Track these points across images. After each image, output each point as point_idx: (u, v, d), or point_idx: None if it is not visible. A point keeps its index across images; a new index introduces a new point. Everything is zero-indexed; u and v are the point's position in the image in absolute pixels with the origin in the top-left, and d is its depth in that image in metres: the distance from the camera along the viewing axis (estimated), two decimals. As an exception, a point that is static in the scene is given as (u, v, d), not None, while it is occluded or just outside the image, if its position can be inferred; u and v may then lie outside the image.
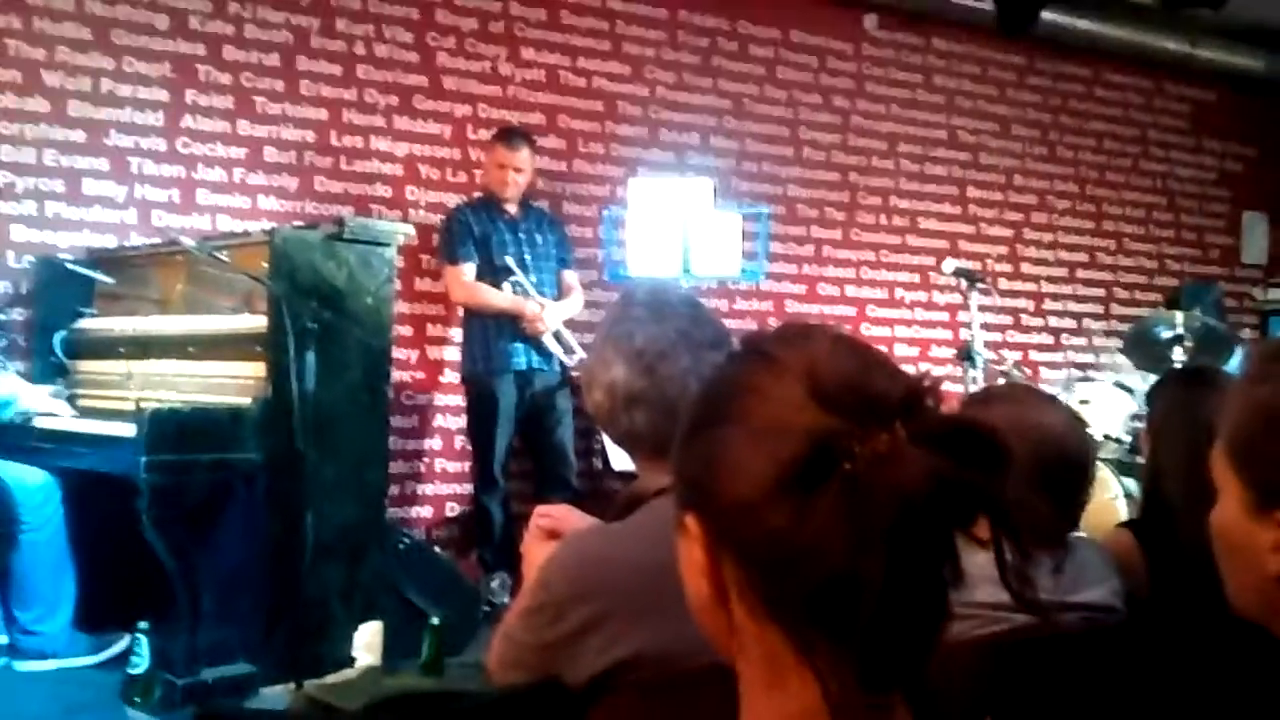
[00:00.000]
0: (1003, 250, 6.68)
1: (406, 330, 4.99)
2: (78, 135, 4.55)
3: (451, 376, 5.14)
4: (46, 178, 4.49)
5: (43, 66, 4.50)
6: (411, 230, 4.10)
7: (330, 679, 2.01)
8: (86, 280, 4.13)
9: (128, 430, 3.24)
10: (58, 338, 4.13)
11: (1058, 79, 6.90)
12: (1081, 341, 6.83)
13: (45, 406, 3.57)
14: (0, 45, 4.44)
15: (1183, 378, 2.18)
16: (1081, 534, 1.81)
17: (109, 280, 4.08)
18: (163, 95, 4.70)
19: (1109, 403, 4.88)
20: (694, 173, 5.35)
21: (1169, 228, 7.23)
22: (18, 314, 4.33)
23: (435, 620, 3.03)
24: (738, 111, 5.95)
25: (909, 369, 0.80)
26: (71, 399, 3.91)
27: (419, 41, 5.22)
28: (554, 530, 1.69)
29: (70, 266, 4.12)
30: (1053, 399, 1.91)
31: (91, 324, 4.17)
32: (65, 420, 3.54)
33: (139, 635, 2.99)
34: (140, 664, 2.96)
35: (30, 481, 3.40)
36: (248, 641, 3.18)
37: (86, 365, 4.13)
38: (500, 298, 4.70)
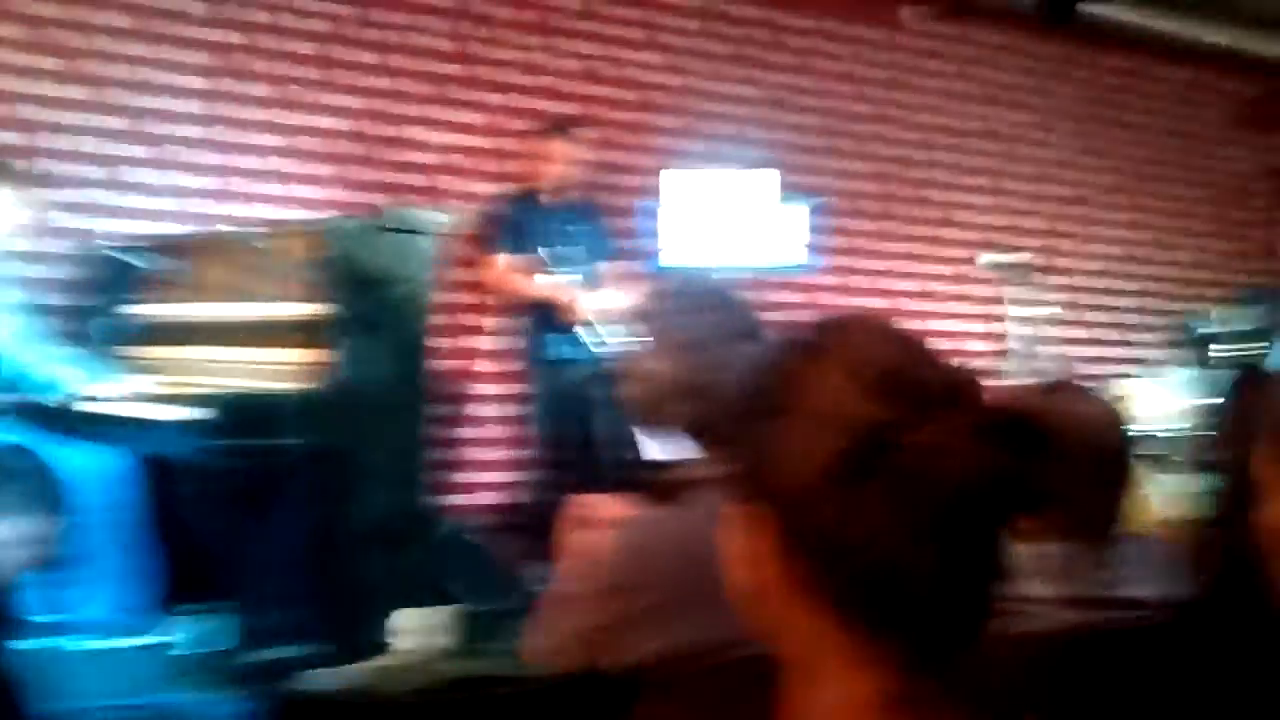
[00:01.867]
0: (1043, 244, 6.63)
1: (444, 319, 5.01)
2: (116, 122, 4.60)
3: (488, 366, 5.16)
4: (85, 164, 4.54)
5: (82, 55, 4.55)
6: (449, 219, 4.13)
7: (380, 662, 2.04)
8: (132, 268, 4.17)
9: (183, 415, 3.29)
10: (100, 324, 4.17)
11: (1098, 71, 6.83)
12: (1119, 336, 6.77)
13: (101, 391, 3.61)
14: (40, 33, 4.49)
15: (1251, 377, 2.16)
16: (1130, 530, 1.80)
17: (156, 267, 4.12)
18: (200, 83, 4.74)
19: (1148, 399, 4.84)
20: (736, 165, 5.34)
21: (1210, 221, 7.15)
22: (65, 301, 4.38)
23: (477, 607, 3.06)
24: (776, 103, 5.93)
25: (964, 362, 0.81)
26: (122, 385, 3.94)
27: (455, 31, 5.23)
28: (593, 519, 1.71)
29: (120, 254, 4.16)
30: (1092, 393, 1.90)
31: (135, 310, 4.22)
32: (123, 405, 3.59)
33: (197, 616, 3.03)
34: (197, 644, 3.00)
35: (94, 463, 3.45)
36: (301, 625, 3.22)
37: (135, 352, 4.18)
38: (538, 288, 4.72)
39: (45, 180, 4.37)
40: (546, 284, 4.70)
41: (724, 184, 4.96)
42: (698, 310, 1.60)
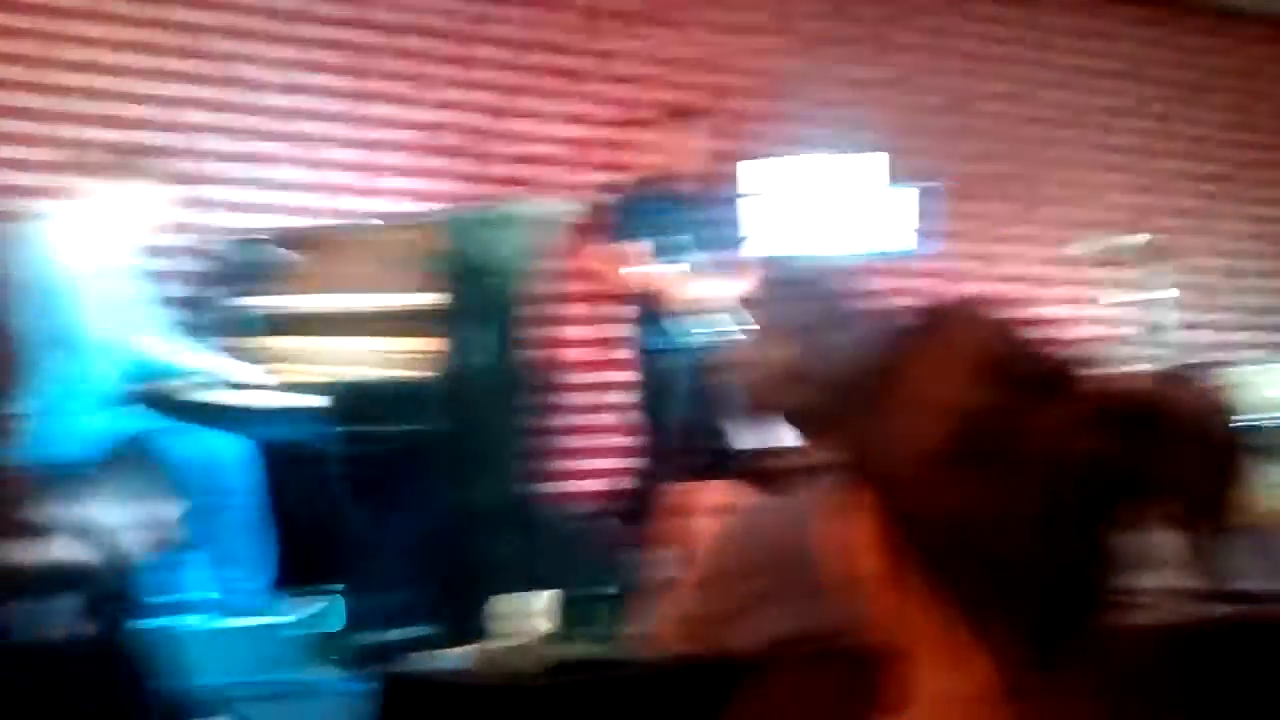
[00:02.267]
0: (1175, 224, 6.37)
1: (576, 309, 5.07)
2: (270, 123, 4.77)
3: (605, 355, 5.20)
4: (241, 163, 4.72)
5: (240, 60, 4.74)
6: (576, 209, 4.17)
7: (505, 643, 2.09)
8: (263, 260, 4.32)
9: (308, 402, 3.40)
10: (235, 315, 4.33)
11: (1241, 42, 6.53)
12: (1255, 322, 6.48)
13: (226, 380, 3.75)
14: (198, 41, 4.69)
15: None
16: (1246, 522, 1.74)
17: (284, 260, 4.25)
18: (346, 83, 4.89)
19: (1271, 386, 4.61)
20: (855, 149, 5.27)
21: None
22: (200, 293, 4.56)
23: (602, 591, 3.11)
24: (903, 84, 5.83)
25: (1078, 348, 0.80)
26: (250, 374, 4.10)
27: (587, 23, 5.28)
28: (702, 507, 1.72)
29: (248, 247, 4.31)
30: (1205, 381, 1.84)
31: (267, 302, 4.37)
32: (251, 393, 3.73)
33: (328, 597, 3.14)
34: (330, 624, 3.11)
35: (231, 449, 3.60)
36: (425, 606, 3.31)
37: (263, 342, 4.33)
38: (656, 277, 4.72)
39: (188, 176, 4.56)
40: (652, 273, 4.70)
41: (828, 169, 4.90)
42: (812, 297, 1.60)
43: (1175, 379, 1.80)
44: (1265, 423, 4.40)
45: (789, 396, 1.58)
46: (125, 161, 3.94)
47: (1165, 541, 1.56)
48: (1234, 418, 1.73)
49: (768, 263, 4.93)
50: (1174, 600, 1.53)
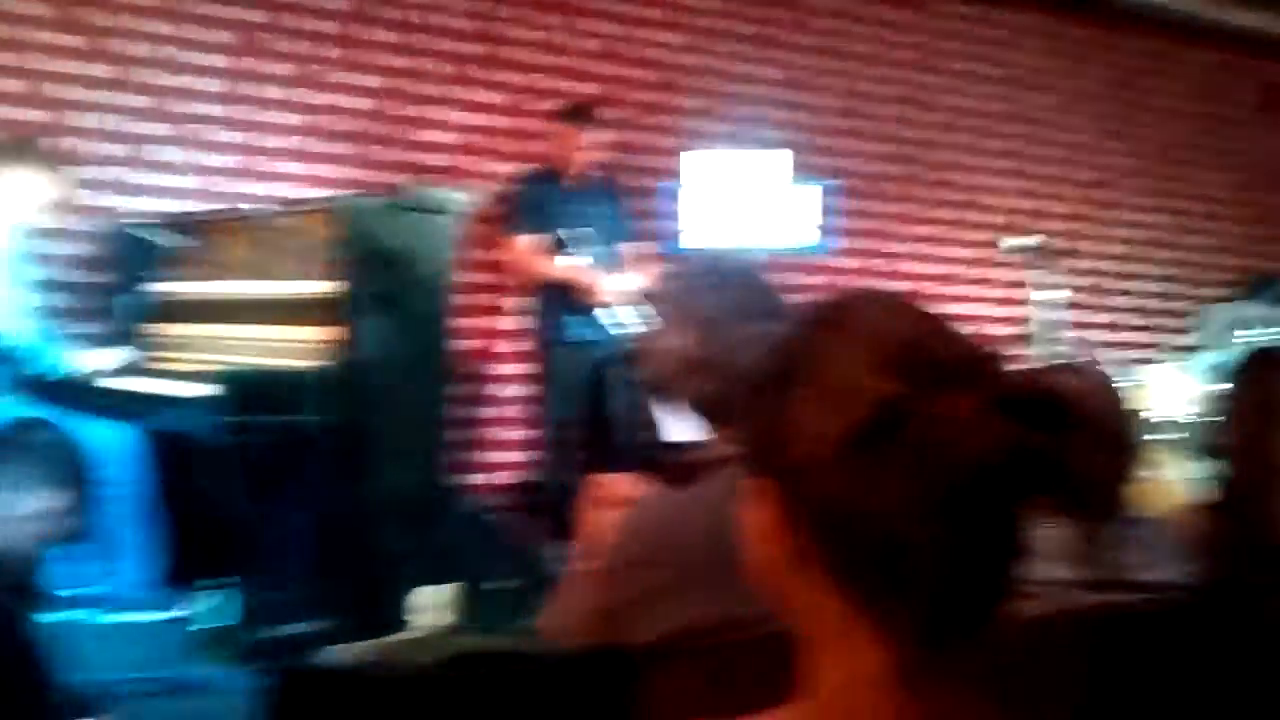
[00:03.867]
0: (1064, 228, 6.59)
1: (465, 299, 5.02)
2: (141, 101, 4.62)
3: (509, 346, 5.17)
4: (110, 143, 4.56)
5: (108, 33, 4.56)
6: (470, 198, 4.12)
7: (398, 637, 2.06)
8: (152, 245, 4.20)
9: (200, 391, 3.32)
10: (124, 302, 4.21)
11: (1126, 54, 6.77)
12: (1142, 323, 6.73)
13: (119, 367, 3.64)
14: (67, 12, 4.50)
15: (1261, 357, 2.15)
16: (1142, 514, 1.80)
17: (175, 245, 4.14)
18: (224, 62, 4.75)
19: (1169, 386, 4.82)
20: (753, 146, 5.32)
21: (1236, 207, 7.09)
22: (85, 278, 4.41)
23: (498, 585, 3.08)
24: (798, 84, 5.91)
25: (981, 340, 0.80)
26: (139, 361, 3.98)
27: (477, 11, 5.23)
28: (611, 498, 1.71)
29: (142, 232, 4.19)
30: (1103, 374, 1.89)
31: (158, 288, 4.25)
32: (140, 381, 3.62)
33: (217, 591, 3.06)
34: (218, 618, 3.03)
35: (110, 438, 3.49)
36: (319, 600, 3.25)
37: (153, 329, 4.21)
38: (558, 269, 4.72)
39: (71, 158, 4.39)
40: (565, 265, 4.70)
41: (742, 165, 4.94)
42: (717, 287, 1.59)
43: (1078, 371, 1.84)
44: (1166, 420, 4.59)
45: (693, 386, 1.57)
46: (16, 145, 3.84)
47: (1063, 532, 1.61)
48: (1127, 410, 1.78)
49: (675, 255, 4.96)
50: (1065, 590, 1.56)
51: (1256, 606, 1.58)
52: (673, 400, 1.62)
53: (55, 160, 3.87)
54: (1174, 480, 3.98)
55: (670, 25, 5.65)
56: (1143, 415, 1.65)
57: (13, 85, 4.40)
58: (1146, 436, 1.77)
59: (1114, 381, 1.85)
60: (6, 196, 3.66)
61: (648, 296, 1.71)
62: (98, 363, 3.61)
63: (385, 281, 3.38)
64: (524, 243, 4.75)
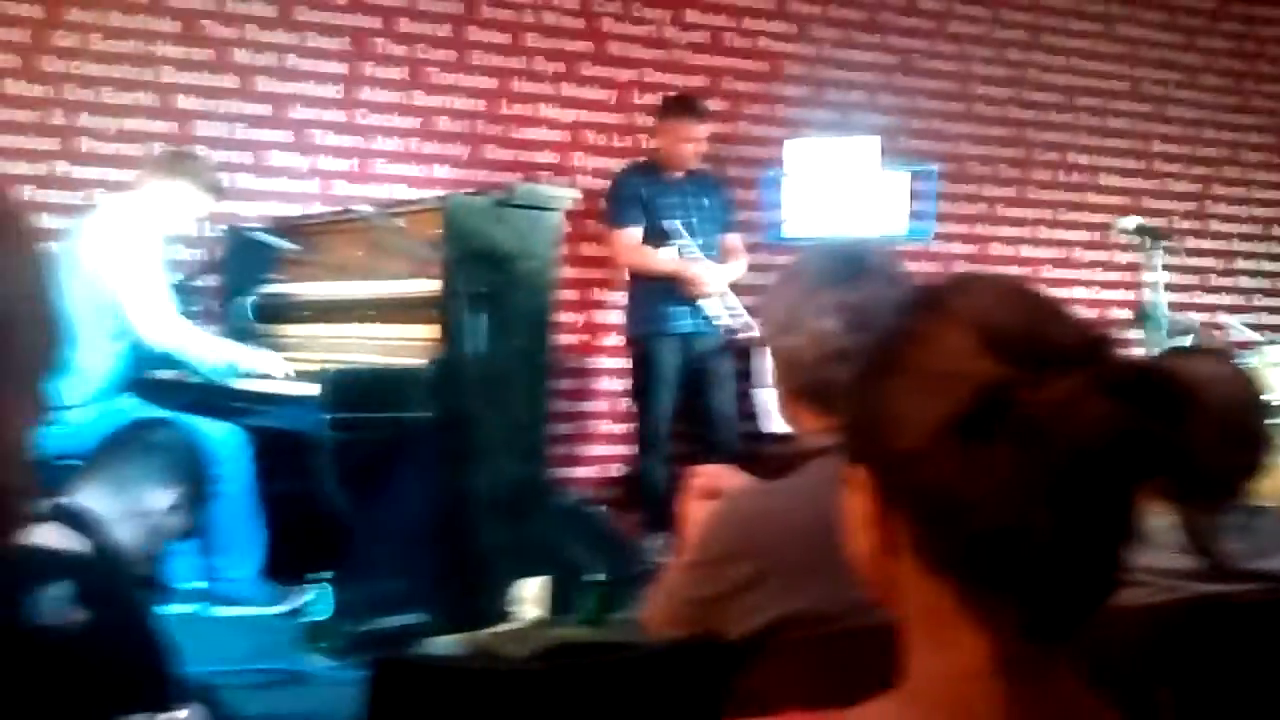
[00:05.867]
0: (1189, 207, 6.36)
1: (572, 294, 5.06)
2: (263, 109, 4.76)
3: (615, 340, 5.20)
4: (234, 150, 4.71)
5: (233, 45, 4.72)
6: (577, 195, 4.15)
7: (498, 630, 2.08)
8: (271, 248, 4.32)
9: (311, 390, 3.40)
10: (246, 303, 4.33)
11: (1251, 23, 6.50)
12: (1274, 303, 6.46)
13: (265, 368, 3.75)
14: (195, 25, 4.67)
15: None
16: (1269, 502, 1.72)
17: (293, 247, 4.26)
18: (341, 68, 4.87)
19: None
20: (859, 132, 5.25)
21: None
22: (209, 281, 4.56)
23: (598, 577, 3.09)
24: (905, 68, 5.81)
25: (1091, 322, 0.78)
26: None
27: (584, 8, 5.26)
28: (711, 490, 1.70)
29: (257, 235, 4.31)
30: (1229, 357, 1.82)
31: (276, 290, 4.37)
32: (254, 381, 3.73)
33: (321, 585, 3.13)
34: (321, 612, 3.10)
35: (223, 436, 3.59)
36: (419, 593, 3.31)
37: (271, 329, 4.33)
38: (664, 261, 4.72)
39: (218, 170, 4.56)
40: (671, 257, 4.70)
41: (852, 152, 4.87)
42: (865, 279, 1.55)
43: (1194, 355, 1.77)
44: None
45: (824, 371, 1.51)
46: (177, 157, 3.99)
47: (1178, 519, 1.55)
48: (1254, 395, 1.71)
49: (777, 245, 4.92)
50: (1176, 579, 1.51)
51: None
52: (802, 382, 1.56)
53: (211, 174, 4.01)
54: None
55: (776, 14, 5.61)
56: (1261, 397, 1.57)
57: (144, 99, 4.58)
58: (1265, 419, 1.69)
59: (1241, 365, 1.77)
60: (164, 206, 3.80)
61: (774, 285, 1.68)
62: (211, 363, 3.71)
63: (490, 278, 3.42)
64: (626, 235, 4.76)
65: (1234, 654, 1.43)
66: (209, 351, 3.72)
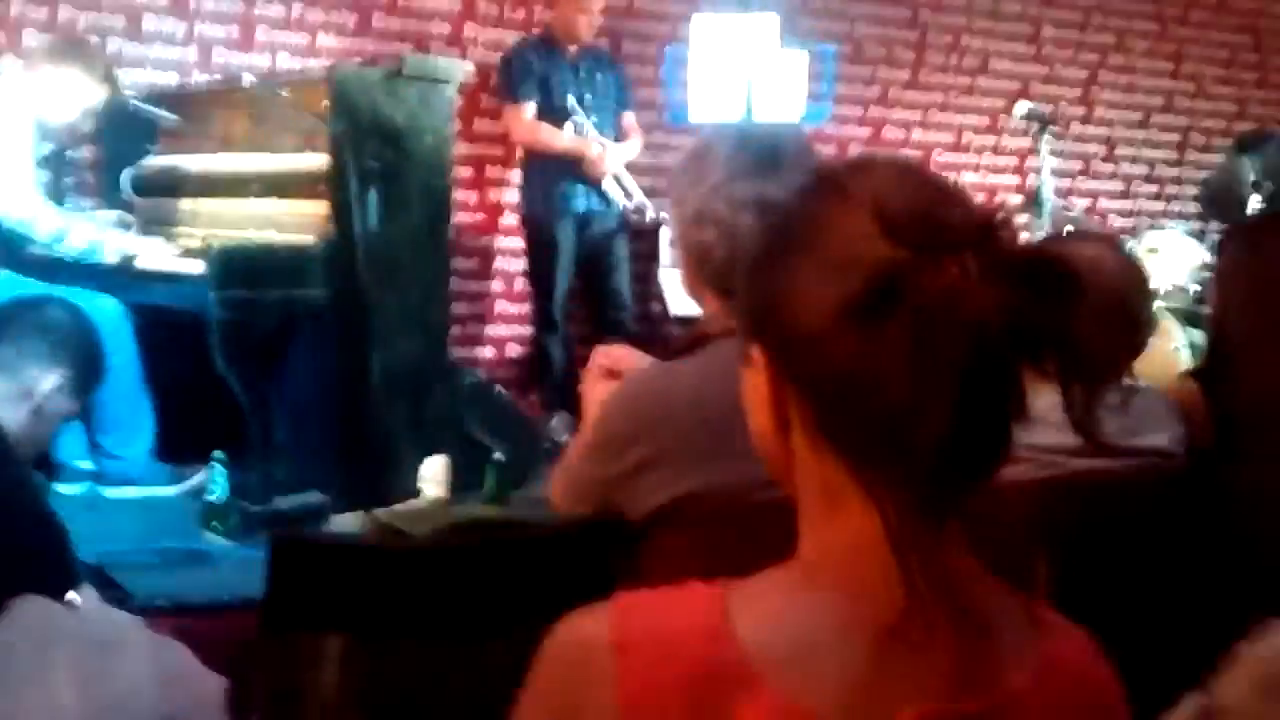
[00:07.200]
0: (1076, 93, 6.45)
1: (466, 171, 4.97)
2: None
3: (511, 219, 5.14)
4: (107, 14, 4.47)
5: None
6: (471, 68, 4.04)
7: (398, 508, 2.08)
8: (150, 119, 4.14)
9: (196, 267, 3.31)
10: (124, 176, 4.17)
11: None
12: (1153, 189, 6.64)
13: (122, 245, 3.62)
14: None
15: (1252, 225, 2.14)
16: (1144, 381, 1.80)
17: (173, 118, 4.09)
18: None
19: (1178, 252, 4.78)
20: (758, 8, 5.17)
21: (1254, 70, 6.92)
22: (83, 152, 4.36)
23: (498, 456, 3.11)
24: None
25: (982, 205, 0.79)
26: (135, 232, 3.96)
27: None
28: (613, 370, 1.71)
29: (134, 104, 4.13)
30: (1110, 240, 1.88)
31: (155, 162, 4.21)
32: (141, 258, 3.61)
33: (215, 465, 3.10)
34: (217, 492, 3.07)
35: (108, 314, 3.49)
36: (318, 473, 3.30)
37: (152, 203, 4.18)
38: (561, 139, 4.66)
39: (69, 30, 4.31)
40: (568, 136, 4.64)
41: (751, 30, 4.80)
42: (763, 170, 1.52)
43: (1082, 239, 1.82)
44: (1177, 288, 4.57)
45: (710, 254, 1.51)
46: (66, 46, 3.83)
47: (1048, 397, 1.60)
48: (1137, 279, 1.76)
49: (665, 126, 4.87)
50: (1055, 456, 1.57)
51: (1225, 474, 1.59)
52: (713, 281, 1.56)
53: (104, 63, 3.82)
54: (1176, 348, 3.98)
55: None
56: (1145, 281, 1.63)
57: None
58: (1147, 303, 1.75)
59: (1117, 247, 1.83)
60: (49, 94, 3.63)
61: (674, 173, 1.65)
62: (87, 238, 3.58)
63: (382, 154, 3.34)
64: (522, 111, 4.67)
65: (1110, 526, 1.50)
66: (67, 225, 3.58)
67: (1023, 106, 4.86)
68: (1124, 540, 1.50)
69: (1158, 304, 3.84)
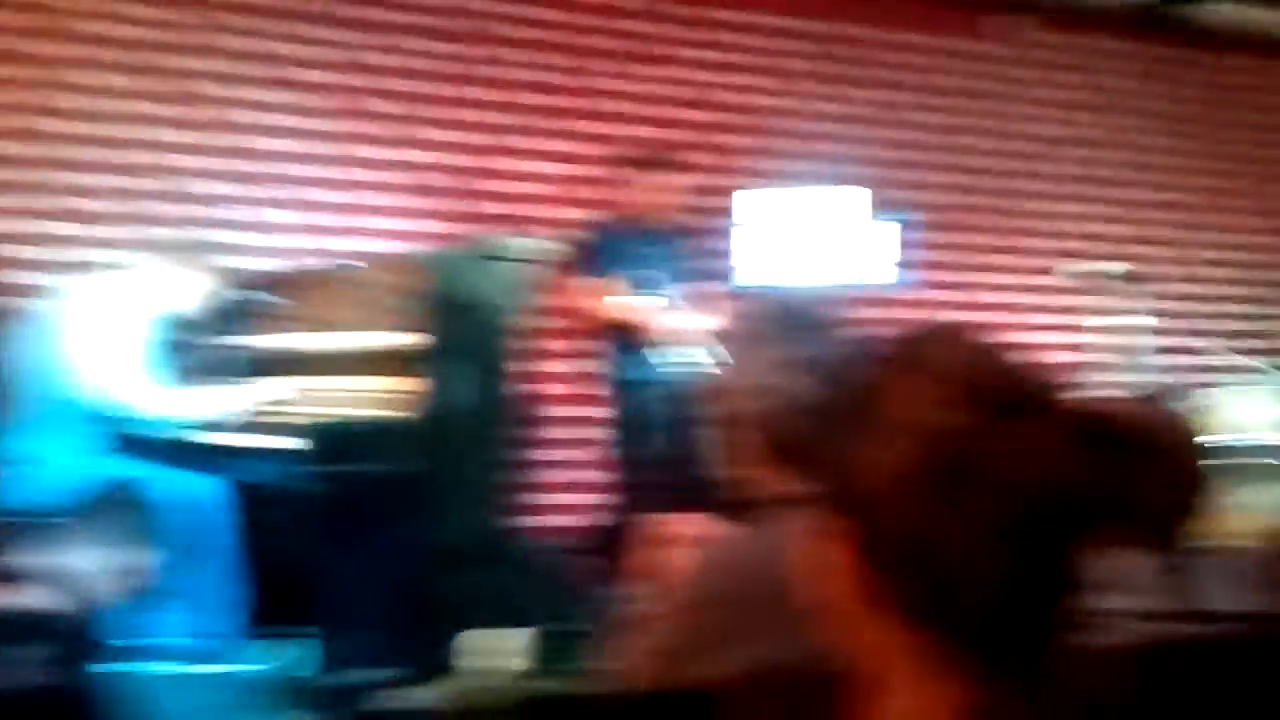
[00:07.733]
0: (1131, 251, 6.40)
1: (546, 344, 5.07)
2: (223, 164, 4.80)
3: (585, 389, 5.20)
4: (226, 206, 4.76)
5: (232, 104, 4.79)
6: (552, 247, 4.19)
7: (463, 683, 2.06)
8: (236, 300, 4.33)
9: (296, 443, 3.40)
10: (208, 356, 4.32)
11: (1189, 70, 6.58)
12: (1212, 345, 6.51)
13: (204, 421, 3.74)
14: (193, 90, 4.74)
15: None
16: (1208, 543, 1.75)
17: (281, 302, 4.27)
18: (299, 122, 4.92)
19: (1240, 408, 4.64)
20: (818, 183, 5.28)
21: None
22: (195, 335, 4.56)
23: (572, 627, 3.07)
24: (859, 119, 5.87)
25: (1054, 371, 0.80)
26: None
27: (537, 62, 5.31)
28: (670, 539, 1.71)
29: (241, 289, 4.32)
30: (1168, 402, 1.85)
31: (241, 342, 4.36)
32: (220, 434, 3.72)
33: (299, 640, 3.10)
34: (305, 668, 3.07)
35: (208, 492, 3.58)
36: (378, 648, 3.29)
37: (237, 382, 4.31)
38: (617, 308, 4.74)
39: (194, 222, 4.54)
40: (625, 305, 4.72)
41: (810, 202, 4.93)
42: (791, 328, 1.58)
43: (1142, 401, 1.80)
44: (1239, 445, 4.43)
45: (775, 424, 1.54)
46: (180, 245, 4.03)
47: (1130, 563, 1.57)
48: (1202, 438, 1.74)
49: (748, 294, 4.95)
50: (1139, 621, 1.53)
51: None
52: (751, 438, 1.59)
53: (208, 261, 4.04)
54: (1256, 507, 3.84)
55: (761, 70, 5.66)
56: (1224, 440, 1.59)
57: (140, 158, 4.65)
58: (1230, 461, 1.72)
59: (1184, 412, 1.81)
60: (164, 291, 3.83)
61: (722, 337, 1.71)
62: (191, 417, 3.71)
63: (463, 330, 3.44)
64: (583, 285, 4.77)
65: (1188, 695, 1.45)
66: (175, 407, 3.72)
67: (1089, 266, 4.82)
68: (1203, 707, 1.44)
69: (1237, 461, 3.73)
